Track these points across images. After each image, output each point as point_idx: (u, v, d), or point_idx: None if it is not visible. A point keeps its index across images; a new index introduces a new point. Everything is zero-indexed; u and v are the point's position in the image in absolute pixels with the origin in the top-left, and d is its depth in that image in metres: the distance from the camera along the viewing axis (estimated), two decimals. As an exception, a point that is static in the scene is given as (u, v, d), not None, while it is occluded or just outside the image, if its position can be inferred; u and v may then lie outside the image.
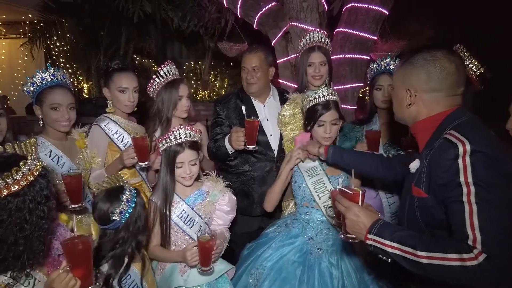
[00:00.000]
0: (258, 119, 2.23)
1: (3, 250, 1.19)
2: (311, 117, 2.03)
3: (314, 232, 2.05)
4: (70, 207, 1.90)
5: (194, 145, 1.93)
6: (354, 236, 1.39)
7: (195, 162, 1.94)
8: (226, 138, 2.37)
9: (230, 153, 2.41)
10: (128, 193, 1.67)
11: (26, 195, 1.20)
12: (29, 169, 1.21)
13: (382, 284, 2.02)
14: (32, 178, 1.21)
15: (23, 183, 1.19)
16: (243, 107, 2.30)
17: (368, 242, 1.31)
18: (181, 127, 1.90)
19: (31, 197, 1.21)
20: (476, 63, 2.25)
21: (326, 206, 2.01)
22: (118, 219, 1.62)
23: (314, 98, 2.01)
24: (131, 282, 1.70)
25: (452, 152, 1.22)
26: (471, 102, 2.03)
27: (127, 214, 1.64)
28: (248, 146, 2.24)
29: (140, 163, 2.13)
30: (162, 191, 1.94)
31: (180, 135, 1.88)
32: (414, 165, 1.41)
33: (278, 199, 2.16)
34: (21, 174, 1.18)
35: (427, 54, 1.36)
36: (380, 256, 1.32)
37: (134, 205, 1.67)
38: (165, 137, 1.91)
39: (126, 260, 1.68)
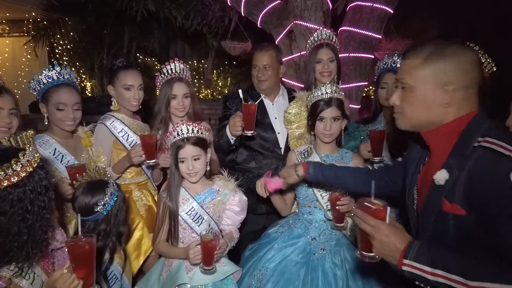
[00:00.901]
0: (255, 103, 2.17)
1: (7, 240, 1.22)
2: (313, 112, 2.03)
3: (317, 232, 2.03)
4: None
5: (198, 141, 1.90)
6: (373, 255, 1.24)
7: (198, 157, 1.91)
8: (227, 126, 2.36)
9: (232, 141, 2.39)
10: (111, 187, 1.71)
11: (26, 185, 1.22)
12: (28, 160, 1.23)
13: (386, 284, 2.01)
14: (31, 169, 1.23)
15: (23, 174, 1.21)
16: (239, 91, 2.26)
17: (405, 268, 1.14)
18: (183, 122, 1.90)
19: (31, 188, 1.23)
20: (489, 61, 2.19)
21: (327, 207, 2.00)
22: (100, 211, 1.65)
23: (319, 94, 2.01)
24: (110, 273, 1.72)
25: (506, 165, 1.07)
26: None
27: (109, 206, 1.67)
28: (246, 132, 2.20)
29: (147, 161, 2.13)
30: (171, 187, 1.95)
31: (182, 131, 1.88)
32: (443, 176, 1.21)
33: (283, 205, 2.17)
34: (20, 165, 1.20)
35: (456, 46, 1.20)
36: (417, 282, 1.16)
37: (116, 198, 1.71)
38: (170, 132, 1.92)
39: (108, 253, 1.70)
